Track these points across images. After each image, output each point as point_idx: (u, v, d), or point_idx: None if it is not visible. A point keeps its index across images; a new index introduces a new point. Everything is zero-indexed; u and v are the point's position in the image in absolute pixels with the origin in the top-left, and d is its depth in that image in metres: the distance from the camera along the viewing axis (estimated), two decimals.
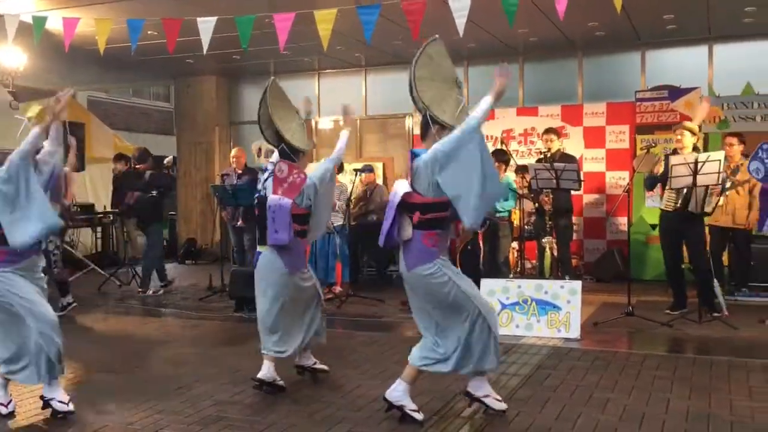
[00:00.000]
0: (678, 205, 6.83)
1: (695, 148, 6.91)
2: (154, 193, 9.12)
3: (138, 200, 9.17)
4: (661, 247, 7.31)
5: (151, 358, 5.72)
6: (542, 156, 8.26)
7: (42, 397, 4.27)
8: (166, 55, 7.61)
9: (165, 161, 10.13)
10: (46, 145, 4.40)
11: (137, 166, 9.61)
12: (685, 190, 6.76)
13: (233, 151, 9.84)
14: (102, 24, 7.13)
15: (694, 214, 6.73)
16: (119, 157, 10.25)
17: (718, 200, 6.83)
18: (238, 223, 9.25)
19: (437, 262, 3.99)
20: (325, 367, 5.08)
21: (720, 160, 6.45)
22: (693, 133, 6.92)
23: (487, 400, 4.15)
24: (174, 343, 6.29)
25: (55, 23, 7.58)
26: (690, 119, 8.07)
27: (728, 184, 7.30)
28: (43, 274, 4.42)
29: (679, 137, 6.92)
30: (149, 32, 8.51)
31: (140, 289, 9.11)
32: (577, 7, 6.81)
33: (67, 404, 4.24)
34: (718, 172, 6.41)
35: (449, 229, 4.14)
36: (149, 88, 20.61)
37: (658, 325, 6.56)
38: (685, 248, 7.15)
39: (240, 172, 9.56)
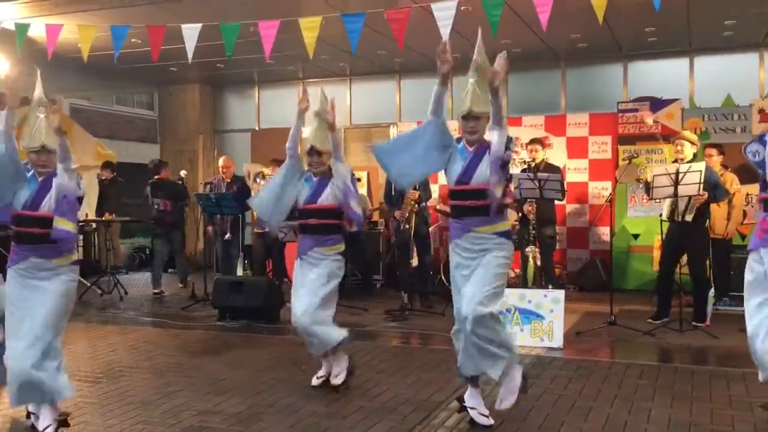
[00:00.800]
0: (668, 216, 6.91)
1: (694, 156, 6.98)
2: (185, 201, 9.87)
3: (171, 208, 9.56)
4: (660, 255, 7.40)
5: (132, 368, 5.67)
6: (527, 166, 8.31)
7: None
8: (149, 62, 7.60)
9: (149, 163, 10.25)
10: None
11: (157, 177, 9.78)
12: (671, 202, 6.82)
13: (221, 161, 9.82)
14: (85, 31, 7.10)
15: (696, 225, 6.78)
16: (106, 165, 10.34)
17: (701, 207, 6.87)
18: (227, 237, 9.26)
19: None
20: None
21: (701, 171, 6.52)
22: (692, 143, 7.00)
23: (472, 413, 4.15)
24: (156, 353, 6.23)
25: (37, 30, 7.53)
26: (671, 133, 8.17)
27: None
28: None
29: (679, 148, 6.99)
30: (133, 40, 8.48)
31: (181, 285, 10.03)
32: (560, 18, 6.88)
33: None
34: (699, 183, 6.49)
35: None
36: (132, 96, 20.52)
37: (640, 334, 6.60)
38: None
39: (228, 181, 9.53)
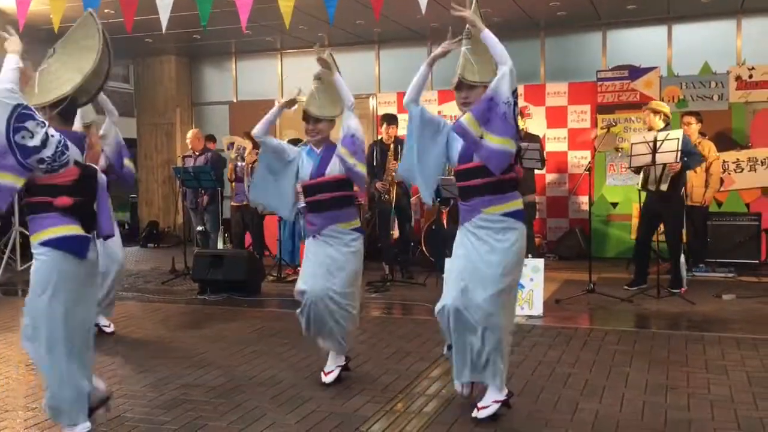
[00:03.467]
0: (642, 184, 6.96)
1: (667, 125, 6.99)
2: None
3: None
4: (637, 224, 7.46)
5: (113, 342, 5.65)
6: None
7: None
8: (124, 34, 7.44)
9: None
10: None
11: None
12: (642, 171, 6.87)
13: (189, 134, 9.79)
14: (56, 1, 6.94)
15: (672, 194, 6.83)
16: None
17: (676, 176, 6.91)
18: (199, 228, 9.28)
19: None
20: None
21: (678, 139, 6.57)
22: (655, 112, 7.01)
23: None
24: (136, 327, 6.21)
25: (8, 1, 7.35)
26: (649, 100, 8.20)
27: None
28: None
29: (651, 116, 7.00)
30: (106, 10, 8.31)
31: None
32: None
33: None
34: (677, 150, 6.53)
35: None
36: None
37: (618, 301, 6.68)
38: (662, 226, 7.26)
39: (197, 153, 9.48)
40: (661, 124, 6.94)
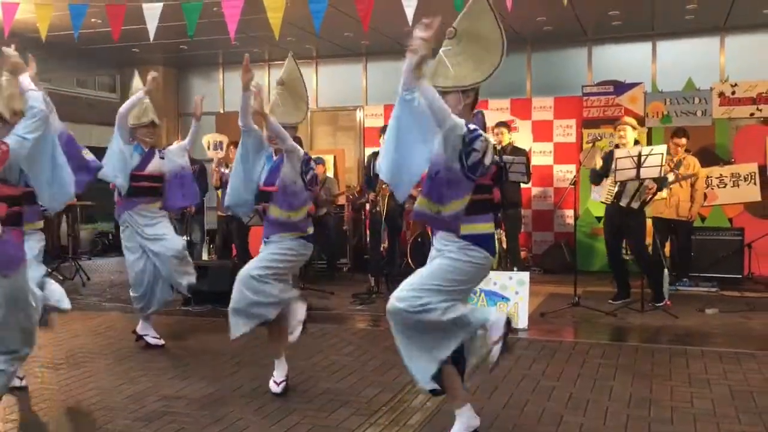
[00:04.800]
0: (614, 199, 7.02)
1: (636, 143, 7.09)
2: None
3: None
4: (604, 239, 7.49)
5: (95, 354, 5.59)
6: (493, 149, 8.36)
7: None
8: (111, 43, 7.44)
9: None
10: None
11: None
12: (617, 185, 6.92)
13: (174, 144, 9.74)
14: (43, 10, 6.93)
15: (632, 208, 6.90)
16: None
17: (657, 195, 6.97)
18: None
19: None
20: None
21: (662, 154, 6.63)
22: (633, 128, 7.11)
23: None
24: (119, 338, 6.16)
25: None
26: (634, 116, 8.28)
27: (671, 178, 7.51)
28: None
29: (621, 133, 7.07)
30: (93, 20, 8.29)
31: None
32: (526, 1, 6.89)
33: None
34: (660, 165, 6.59)
35: None
36: (94, 78, 20.08)
37: (603, 314, 6.71)
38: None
39: None
40: (633, 141, 7.03)
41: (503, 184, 7.72)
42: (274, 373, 4.52)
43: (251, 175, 4.53)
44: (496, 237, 3.56)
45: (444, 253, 3.47)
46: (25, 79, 3.61)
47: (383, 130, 8.28)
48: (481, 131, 3.35)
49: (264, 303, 4.43)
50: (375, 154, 8.41)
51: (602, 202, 7.25)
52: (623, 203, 6.92)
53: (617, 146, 7.11)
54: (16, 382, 4.31)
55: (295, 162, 4.44)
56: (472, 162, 3.27)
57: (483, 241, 3.44)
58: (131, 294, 5.85)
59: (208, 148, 9.24)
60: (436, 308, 3.41)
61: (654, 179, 6.68)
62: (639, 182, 6.73)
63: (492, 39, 3.45)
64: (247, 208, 4.68)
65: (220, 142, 9.03)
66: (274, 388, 4.46)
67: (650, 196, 6.86)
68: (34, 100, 3.50)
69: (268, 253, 4.51)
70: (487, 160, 3.33)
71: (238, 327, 4.47)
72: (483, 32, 3.46)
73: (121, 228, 5.77)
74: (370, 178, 8.17)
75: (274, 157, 4.54)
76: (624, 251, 7.40)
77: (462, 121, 3.27)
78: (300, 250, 4.58)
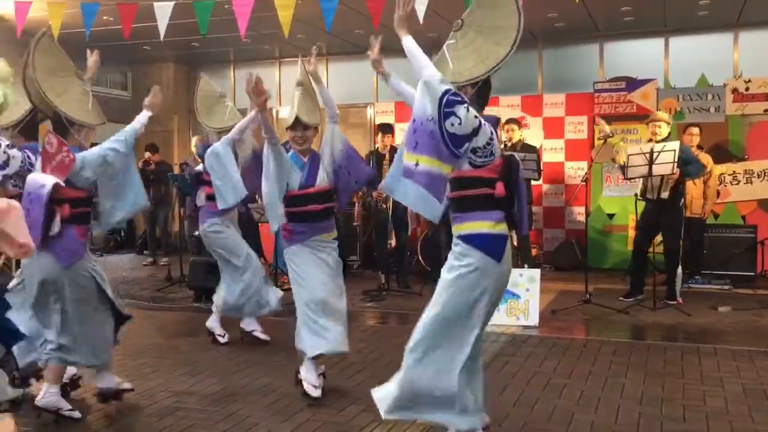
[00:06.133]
0: (641, 196, 6.96)
1: (668, 136, 7.02)
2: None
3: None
4: (635, 233, 7.44)
5: None
6: (504, 146, 8.34)
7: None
8: (122, 41, 7.45)
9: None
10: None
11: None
12: (641, 182, 6.88)
13: (194, 140, 9.78)
14: (55, 8, 6.95)
15: (672, 203, 6.84)
16: None
17: (675, 184, 6.92)
18: (197, 233, 9.27)
19: None
20: None
21: (675, 150, 6.58)
22: (668, 123, 7.06)
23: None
24: (131, 334, 6.16)
25: (6, 7, 7.37)
26: (646, 112, 8.21)
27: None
28: None
29: (655, 130, 7.00)
30: (105, 17, 8.32)
31: None
32: None
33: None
34: (673, 162, 6.54)
35: None
36: (106, 75, 20.22)
37: (614, 312, 6.67)
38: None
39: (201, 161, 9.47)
40: (666, 135, 6.97)
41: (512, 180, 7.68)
42: (307, 376, 4.34)
43: (282, 184, 4.35)
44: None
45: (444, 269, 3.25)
46: None
47: (380, 128, 8.30)
48: (467, 102, 3.11)
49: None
50: (372, 152, 8.42)
51: (639, 199, 7.18)
52: (653, 196, 6.87)
53: (650, 140, 7.04)
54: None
55: (337, 144, 4.45)
56: (454, 132, 3.03)
57: (482, 243, 3.14)
58: (234, 300, 5.71)
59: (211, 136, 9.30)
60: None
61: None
62: (663, 176, 6.67)
63: (507, 29, 3.29)
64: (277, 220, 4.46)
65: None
66: (314, 392, 4.26)
67: (674, 183, 6.78)
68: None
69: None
70: (477, 142, 3.10)
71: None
72: (499, 22, 3.31)
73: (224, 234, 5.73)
74: (374, 177, 8.14)
75: (304, 159, 4.41)
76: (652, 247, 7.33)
77: (440, 76, 3.09)
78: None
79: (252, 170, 5.32)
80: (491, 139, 3.18)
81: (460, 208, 3.22)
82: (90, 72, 4.37)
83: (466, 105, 3.08)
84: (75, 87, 4.19)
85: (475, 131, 3.10)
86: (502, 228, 3.20)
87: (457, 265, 3.18)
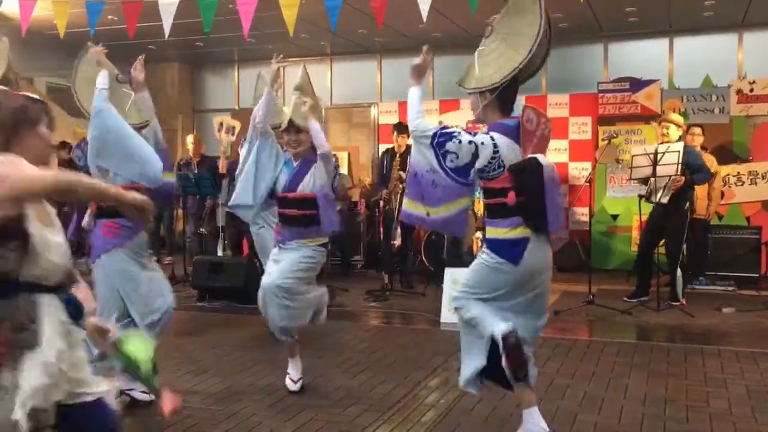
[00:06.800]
0: (645, 198, 6.96)
1: (679, 139, 7.01)
2: None
3: None
4: (640, 236, 7.43)
5: None
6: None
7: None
8: (127, 40, 7.45)
9: None
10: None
11: None
12: (648, 183, 6.87)
13: (189, 138, 9.73)
14: (60, 7, 6.96)
15: (677, 207, 6.83)
16: (63, 145, 10.33)
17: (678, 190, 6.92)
18: (201, 230, 9.24)
19: None
20: None
21: (679, 152, 6.57)
22: (678, 126, 7.04)
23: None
24: None
25: (11, 6, 7.38)
26: (650, 113, 8.19)
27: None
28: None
29: (665, 131, 7.00)
30: (109, 16, 8.34)
31: None
32: None
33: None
34: (677, 163, 6.53)
35: None
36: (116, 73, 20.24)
37: (617, 313, 6.67)
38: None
39: (198, 161, 9.44)
40: (677, 138, 6.95)
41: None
42: (290, 371, 4.52)
43: (264, 178, 4.43)
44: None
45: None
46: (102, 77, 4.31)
47: (396, 127, 8.31)
48: (457, 133, 3.32)
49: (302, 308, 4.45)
50: (387, 151, 8.44)
51: (644, 200, 7.18)
52: (654, 199, 6.86)
53: (663, 142, 7.02)
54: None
55: (330, 167, 4.45)
56: (455, 165, 3.29)
57: (499, 247, 3.35)
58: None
59: (219, 130, 9.23)
60: (462, 306, 3.46)
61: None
62: (668, 177, 6.66)
63: (528, 36, 3.37)
64: (251, 210, 4.60)
65: (233, 127, 9.05)
66: (292, 386, 4.45)
67: (679, 186, 6.77)
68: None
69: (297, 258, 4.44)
70: (479, 163, 3.29)
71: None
72: (523, 29, 3.40)
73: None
74: (383, 175, 8.16)
75: (294, 163, 4.44)
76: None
77: (427, 125, 3.36)
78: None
79: None
80: (495, 152, 3.31)
81: (487, 215, 3.51)
82: (136, 77, 4.71)
83: (455, 137, 3.30)
84: (113, 92, 4.41)
85: (475, 156, 3.30)
86: (517, 233, 3.33)
87: (481, 259, 3.43)
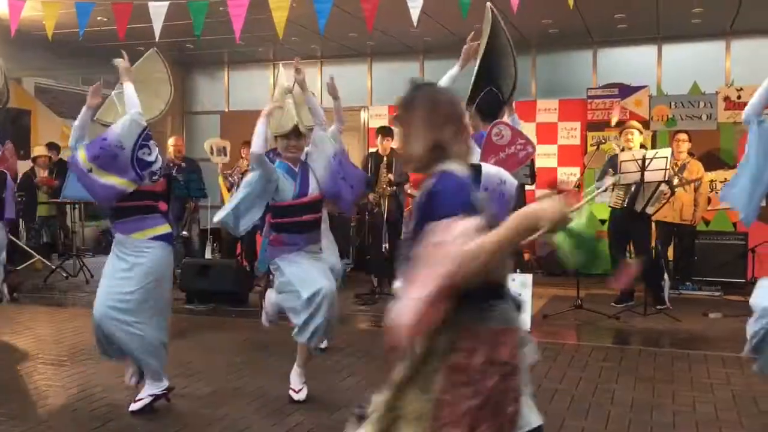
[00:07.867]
0: (625, 203, 7.00)
1: (642, 146, 7.10)
2: None
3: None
4: (608, 242, 7.46)
5: (96, 351, 5.59)
6: None
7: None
8: (116, 42, 7.42)
9: None
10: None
11: None
12: (633, 188, 6.91)
13: (172, 140, 9.57)
14: (49, 7, 6.93)
15: (640, 212, 6.89)
16: (52, 146, 10.30)
17: (664, 201, 6.99)
18: (184, 233, 9.14)
19: None
20: None
21: (667, 157, 6.62)
22: (640, 132, 7.13)
23: None
24: None
25: (0, 7, 7.34)
26: (638, 119, 8.26)
27: (675, 181, 7.49)
28: None
29: (629, 137, 7.08)
30: (98, 18, 8.30)
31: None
32: (531, 3, 6.88)
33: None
34: (665, 169, 6.58)
35: None
36: (100, 76, 20.14)
37: (605, 317, 6.70)
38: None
39: (179, 163, 9.24)
40: (639, 144, 7.04)
41: None
42: (294, 382, 4.38)
43: (263, 201, 4.34)
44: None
45: None
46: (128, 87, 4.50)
47: (380, 130, 8.32)
48: None
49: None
50: (371, 155, 8.43)
51: (610, 206, 7.23)
52: (637, 207, 6.90)
53: (623, 149, 7.10)
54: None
55: (329, 149, 4.46)
56: None
57: None
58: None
59: (211, 153, 9.21)
60: None
61: (667, 183, 6.69)
62: (655, 186, 6.71)
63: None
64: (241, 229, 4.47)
65: (224, 148, 9.01)
66: (297, 396, 4.31)
67: (665, 202, 6.86)
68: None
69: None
70: None
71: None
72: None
73: None
74: (369, 179, 8.15)
75: (295, 168, 4.38)
76: (628, 255, 7.37)
77: None
78: None
79: None
80: None
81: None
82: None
83: None
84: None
85: None
86: None
87: None
